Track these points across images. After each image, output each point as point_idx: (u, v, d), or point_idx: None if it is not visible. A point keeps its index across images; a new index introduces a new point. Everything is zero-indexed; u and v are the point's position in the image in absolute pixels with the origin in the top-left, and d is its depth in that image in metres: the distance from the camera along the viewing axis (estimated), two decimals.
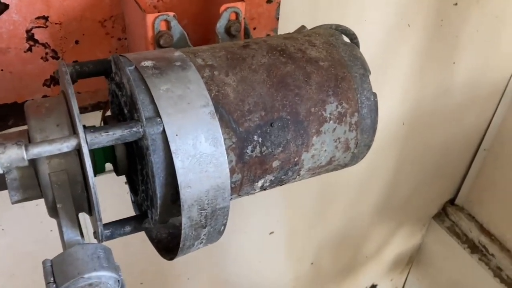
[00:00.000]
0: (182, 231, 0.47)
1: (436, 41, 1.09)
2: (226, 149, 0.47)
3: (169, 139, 0.43)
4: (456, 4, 1.05)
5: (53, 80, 0.68)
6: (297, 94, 0.51)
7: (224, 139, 0.47)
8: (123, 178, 0.56)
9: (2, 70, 0.64)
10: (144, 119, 0.43)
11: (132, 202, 0.60)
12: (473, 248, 1.57)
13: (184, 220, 0.46)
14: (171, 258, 0.55)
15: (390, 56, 1.06)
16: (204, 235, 0.49)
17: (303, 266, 1.47)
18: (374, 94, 0.55)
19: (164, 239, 0.59)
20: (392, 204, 1.51)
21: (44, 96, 0.68)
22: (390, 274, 1.82)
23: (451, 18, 1.07)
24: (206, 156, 0.44)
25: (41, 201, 0.66)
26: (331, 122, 0.52)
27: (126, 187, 0.62)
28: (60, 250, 0.94)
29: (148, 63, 0.47)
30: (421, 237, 1.76)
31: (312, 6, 0.88)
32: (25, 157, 0.40)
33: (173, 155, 0.43)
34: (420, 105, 1.22)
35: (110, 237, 0.50)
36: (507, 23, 1.18)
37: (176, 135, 0.43)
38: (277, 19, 0.79)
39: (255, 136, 0.49)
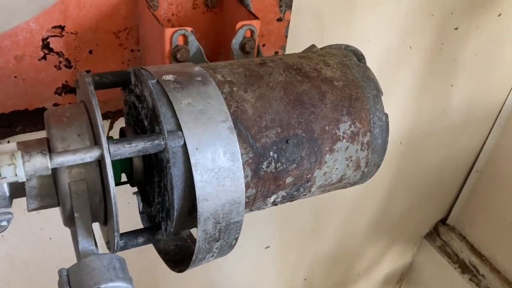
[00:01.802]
0: (197, 244, 0.47)
1: (436, 63, 1.12)
2: (242, 164, 0.48)
3: (189, 152, 0.44)
4: (456, 28, 1.07)
5: (65, 89, 0.68)
6: (312, 112, 0.52)
7: (241, 154, 0.48)
8: (122, 188, 0.56)
9: (15, 77, 0.64)
10: (166, 132, 0.44)
11: (140, 213, 0.60)
12: (464, 268, 1.58)
13: (200, 233, 0.46)
14: (180, 270, 0.55)
15: (391, 77, 1.08)
16: (216, 248, 0.50)
17: (296, 281, 1.48)
18: (386, 115, 0.56)
19: (172, 251, 0.59)
20: (385, 223, 1.52)
21: (55, 104, 0.68)
22: None
23: (451, 42, 1.10)
24: (224, 171, 0.45)
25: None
26: (344, 140, 0.53)
27: (127, 197, 0.62)
28: (57, 258, 0.94)
29: (169, 77, 0.48)
30: (412, 256, 1.77)
31: (319, 26, 0.90)
32: (49, 166, 0.40)
33: (193, 169, 0.44)
34: (417, 125, 1.25)
35: (124, 247, 0.50)
36: (504, 49, 1.21)
37: (196, 148, 0.44)
38: (286, 37, 0.80)
39: (271, 152, 0.50)
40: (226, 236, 0.49)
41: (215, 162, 0.45)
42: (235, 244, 0.51)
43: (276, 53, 0.81)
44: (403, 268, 1.80)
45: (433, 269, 1.70)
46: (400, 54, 1.04)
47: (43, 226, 0.87)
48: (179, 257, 0.58)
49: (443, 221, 1.69)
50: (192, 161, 0.44)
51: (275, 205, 0.56)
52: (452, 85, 1.21)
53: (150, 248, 0.58)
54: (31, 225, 0.86)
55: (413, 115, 1.21)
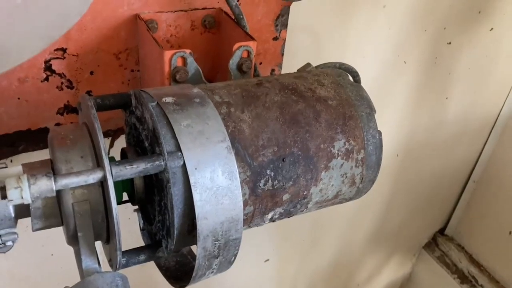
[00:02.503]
0: (196, 261, 0.49)
1: (430, 77, 1.14)
2: (240, 182, 0.50)
3: (189, 172, 0.45)
4: (450, 43, 1.10)
5: (66, 109, 0.70)
6: (307, 131, 0.53)
7: (239, 173, 0.50)
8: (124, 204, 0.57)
9: (19, 98, 0.66)
10: (166, 153, 0.45)
11: (141, 230, 0.62)
12: (463, 278, 1.59)
13: (199, 250, 0.48)
14: (181, 286, 0.56)
15: (387, 91, 1.10)
16: (215, 265, 0.51)
17: None
18: (379, 132, 0.58)
19: (172, 267, 0.60)
20: (383, 234, 1.53)
21: (57, 124, 0.70)
22: None
23: (445, 56, 1.12)
24: (222, 189, 0.47)
25: None
26: (339, 158, 0.55)
27: (128, 213, 0.63)
28: (58, 275, 0.94)
29: (169, 99, 0.50)
30: (411, 267, 1.78)
31: (314, 43, 0.92)
32: (54, 188, 0.42)
33: (192, 188, 0.45)
34: (413, 137, 1.26)
35: (125, 265, 0.51)
36: (497, 62, 1.23)
37: (195, 168, 0.46)
38: (282, 54, 0.82)
39: (267, 170, 0.51)
40: (225, 253, 0.50)
41: (213, 181, 0.46)
42: (234, 260, 0.52)
43: (273, 70, 0.83)
44: (403, 279, 1.80)
45: (432, 280, 1.70)
46: (395, 69, 1.06)
47: (44, 243, 0.88)
48: (180, 273, 0.59)
49: (441, 231, 1.70)
50: (192, 181, 0.45)
51: (273, 221, 0.57)
52: (447, 98, 1.23)
53: (150, 264, 0.59)
54: (33, 242, 0.87)
55: (409, 128, 1.23)
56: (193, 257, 0.60)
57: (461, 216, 1.63)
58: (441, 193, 1.57)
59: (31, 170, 0.44)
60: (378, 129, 0.58)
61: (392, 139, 1.22)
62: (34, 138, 0.70)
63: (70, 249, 0.93)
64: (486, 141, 1.46)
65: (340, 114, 0.56)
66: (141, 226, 0.61)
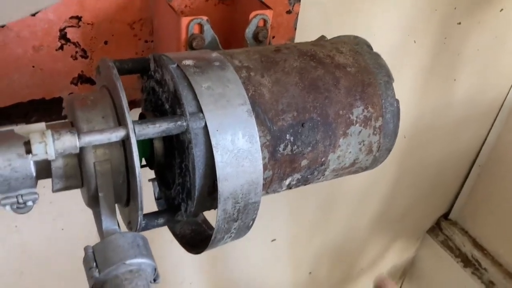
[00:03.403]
0: (216, 224, 0.49)
1: (439, 58, 1.13)
2: (260, 146, 0.50)
3: (210, 134, 0.45)
4: (459, 23, 1.09)
5: (80, 79, 0.70)
6: (327, 97, 0.53)
7: (259, 137, 0.50)
8: None
9: (33, 66, 0.65)
10: (188, 114, 0.45)
11: (156, 199, 0.62)
12: (466, 262, 1.60)
13: (219, 212, 0.48)
14: (197, 252, 0.56)
15: (395, 71, 1.09)
16: (234, 228, 0.51)
17: (301, 274, 1.49)
18: (397, 101, 0.58)
19: (188, 235, 0.60)
20: (388, 218, 1.54)
21: (71, 94, 0.70)
22: None
23: (454, 36, 1.11)
24: (243, 152, 0.47)
25: (56, 199, 0.67)
26: (357, 125, 0.55)
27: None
28: (68, 249, 0.94)
29: (189, 62, 0.49)
30: (415, 251, 1.78)
31: (325, 19, 0.92)
32: (78, 144, 0.42)
33: (214, 149, 0.45)
34: (420, 119, 1.26)
35: (145, 228, 0.51)
36: (506, 43, 1.23)
37: (217, 130, 0.46)
38: (295, 29, 0.82)
39: (287, 135, 0.51)
40: (244, 217, 0.50)
41: (234, 143, 0.46)
42: (252, 225, 0.53)
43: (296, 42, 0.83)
44: (406, 263, 1.81)
45: (435, 264, 1.71)
46: (404, 49, 1.06)
47: (55, 217, 0.88)
48: (195, 241, 0.59)
49: (445, 216, 1.71)
50: (213, 142, 0.45)
51: (290, 188, 0.57)
52: (454, 80, 1.23)
53: None
54: (44, 216, 0.87)
55: (416, 110, 1.23)
56: (208, 226, 0.60)
57: (466, 200, 1.63)
58: (446, 177, 1.58)
59: (54, 128, 0.44)
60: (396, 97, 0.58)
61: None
62: (47, 109, 0.70)
63: (80, 223, 0.94)
64: (492, 124, 1.46)
65: (359, 81, 0.56)
66: (156, 195, 0.61)
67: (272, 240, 1.28)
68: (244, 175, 0.47)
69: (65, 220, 0.89)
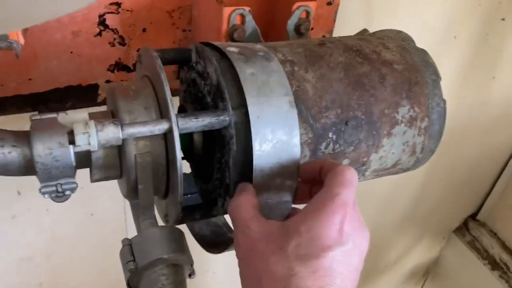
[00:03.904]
0: None
1: (479, 55, 1.09)
2: (301, 143, 0.48)
3: (251, 120, 0.43)
4: (503, 19, 1.05)
5: (117, 66, 0.69)
6: (372, 95, 0.51)
7: (301, 134, 0.48)
8: None
9: (71, 52, 0.65)
10: (230, 109, 0.44)
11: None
12: (494, 264, 1.56)
13: None
14: (218, 252, 0.55)
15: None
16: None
17: None
18: (444, 101, 0.56)
19: (208, 236, 0.59)
20: (415, 216, 1.51)
21: (108, 81, 0.69)
22: (405, 285, 1.82)
23: (497, 32, 1.07)
24: (281, 144, 0.45)
25: (87, 185, 0.67)
26: (402, 125, 0.53)
27: None
28: (97, 234, 0.95)
29: (233, 49, 0.48)
30: (440, 250, 1.75)
31: (366, 11, 0.89)
32: (121, 136, 0.41)
33: (253, 136, 0.43)
34: (455, 117, 1.22)
35: (182, 221, 0.51)
36: None
37: (258, 117, 0.44)
38: (334, 21, 0.79)
39: (330, 133, 0.50)
40: (275, 214, 0.47)
41: (274, 133, 0.44)
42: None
43: (323, 37, 0.80)
44: (430, 262, 1.78)
45: (461, 264, 1.68)
46: (444, 44, 1.02)
47: (86, 202, 0.89)
48: (216, 242, 0.58)
49: (473, 216, 1.67)
50: (253, 130, 0.43)
51: None
52: (494, 78, 1.19)
53: None
54: (74, 200, 0.87)
55: (452, 107, 1.18)
56: (229, 229, 0.58)
57: (496, 201, 1.59)
58: (477, 176, 1.53)
59: (96, 118, 0.43)
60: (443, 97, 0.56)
61: None
62: (83, 95, 0.70)
63: (110, 210, 0.94)
64: None
65: (405, 79, 0.54)
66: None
67: None
68: (281, 169, 0.45)
69: (95, 206, 0.89)
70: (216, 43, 0.49)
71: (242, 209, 0.42)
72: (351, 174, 0.41)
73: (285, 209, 0.47)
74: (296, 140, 0.45)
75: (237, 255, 0.42)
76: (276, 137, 0.44)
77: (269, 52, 0.49)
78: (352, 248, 0.39)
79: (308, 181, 0.46)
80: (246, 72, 0.45)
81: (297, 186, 0.46)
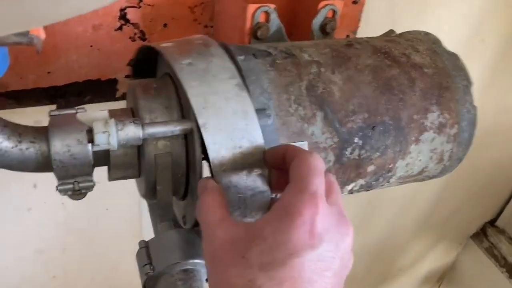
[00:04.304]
0: None
1: (508, 59, 1.06)
2: (326, 148, 0.46)
3: (196, 113, 0.40)
4: None
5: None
6: (401, 99, 0.49)
7: (326, 138, 0.46)
8: None
9: (91, 46, 0.64)
10: None
11: None
12: None
13: None
14: None
15: None
16: None
17: None
18: (475, 108, 0.54)
19: None
20: (433, 220, 1.48)
21: (127, 76, 0.68)
22: None
23: None
24: (238, 130, 0.40)
25: (102, 180, 0.66)
26: (431, 131, 0.51)
27: None
28: (111, 230, 0.94)
29: (168, 44, 0.46)
30: (456, 255, 1.72)
31: (391, 11, 0.87)
32: (141, 136, 0.40)
33: (201, 129, 0.39)
34: (480, 122, 1.19)
35: (197, 224, 0.49)
36: None
37: (203, 108, 0.40)
38: (359, 20, 0.77)
39: (356, 138, 0.48)
40: (253, 209, 0.41)
41: (227, 121, 0.40)
42: None
43: (348, 36, 0.78)
44: (445, 267, 1.75)
45: (477, 271, 1.65)
46: (472, 46, 0.99)
47: (101, 197, 0.88)
48: None
49: (492, 222, 1.63)
50: (200, 121, 0.39)
51: (351, 193, 0.54)
52: None
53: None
54: (89, 195, 0.87)
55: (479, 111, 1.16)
56: None
57: None
58: (498, 182, 1.50)
59: (117, 116, 0.42)
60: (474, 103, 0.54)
61: None
62: (102, 89, 0.69)
63: (125, 205, 0.93)
64: None
65: (436, 83, 0.51)
66: None
67: None
68: (245, 157, 0.40)
69: (111, 201, 0.88)
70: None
71: (208, 211, 0.36)
72: (316, 159, 0.36)
73: (263, 201, 0.41)
74: (254, 123, 0.41)
75: (205, 265, 0.37)
76: (230, 125, 0.40)
77: (205, 37, 0.46)
78: (327, 249, 0.33)
79: (278, 169, 0.40)
80: (183, 63, 0.42)
81: (271, 173, 0.41)
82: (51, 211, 0.85)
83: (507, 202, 1.58)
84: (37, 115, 0.64)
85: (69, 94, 0.68)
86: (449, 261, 1.74)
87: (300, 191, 0.34)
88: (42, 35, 0.35)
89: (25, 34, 0.32)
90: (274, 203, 0.36)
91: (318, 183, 0.34)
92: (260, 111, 0.43)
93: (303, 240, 0.32)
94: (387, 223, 1.37)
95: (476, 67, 1.04)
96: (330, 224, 0.34)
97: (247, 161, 0.40)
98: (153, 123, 0.41)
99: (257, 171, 0.40)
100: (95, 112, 0.41)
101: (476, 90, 1.11)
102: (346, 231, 0.35)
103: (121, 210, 0.91)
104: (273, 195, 0.41)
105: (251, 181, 0.39)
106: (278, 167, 0.40)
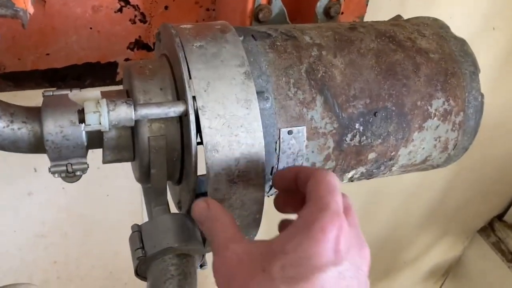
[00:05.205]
0: None
1: None
2: (325, 133, 0.45)
3: (196, 94, 0.39)
4: None
5: (137, 44, 0.67)
6: (404, 85, 0.48)
7: (326, 124, 0.45)
8: None
9: (91, 28, 0.63)
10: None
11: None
12: None
13: (210, 191, 0.40)
14: None
15: None
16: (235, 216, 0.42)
17: None
18: (482, 95, 0.52)
19: None
20: (440, 214, 1.46)
21: (127, 59, 0.67)
22: (424, 283, 1.78)
23: None
24: (237, 119, 0.39)
25: (103, 165, 0.65)
26: (435, 118, 0.49)
27: None
28: (112, 215, 0.94)
29: (187, 25, 0.44)
30: (462, 250, 1.70)
31: None
32: (133, 117, 0.39)
33: (199, 112, 0.39)
34: (488, 113, 1.16)
35: None
36: None
37: (204, 91, 0.39)
38: (367, 5, 0.75)
39: (356, 124, 0.46)
40: (247, 201, 0.42)
41: (226, 107, 0.39)
42: (259, 218, 0.43)
43: (372, 21, 0.76)
44: (451, 261, 1.74)
45: (483, 265, 1.63)
46: (482, 35, 0.97)
47: (101, 183, 0.88)
48: None
49: (500, 216, 1.61)
50: (199, 103, 0.39)
51: (351, 181, 0.53)
52: None
53: None
54: (90, 181, 0.86)
55: (486, 103, 1.14)
56: None
57: None
58: (505, 177, 1.47)
59: (110, 97, 0.41)
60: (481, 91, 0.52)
61: None
62: (102, 72, 0.68)
63: (125, 191, 0.92)
64: None
65: (441, 69, 0.50)
66: None
67: None
68: (240, 147, 0.40)
69: (111, 187, 0.88)
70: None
71: (218, 234, 0.36)
72: (334, 178, 0.36)
73: (257, 194, 0.41)
74: (255, 114, 0.40)
75: (216, 283, 0.35)
76: (230, 112, 0.39)
77: (227, 24, 0.45)
78: (348, 269, 0.33)
79: (286, 191, 0.41)
80: (194, 45, 0.41)
81: (279, 195, 0.41)
82: (51, 196, 0.85)
83: None
84: (37, 99, 0.63)
85: (69, 77, 0.67)
86: (455, 255, 1.72)
87: (321, 209, 0.34)
88: (30, 9, 0.33)
89: (10, 5, 0.31)
90: (286, 224, 0.38)
91: (339, 201, 0.35)
92: (258, 94, 0.42)
93: (327, 256, 0.32)
94: (391, 217, 1.35)
95: (486, 56, 1.02)
96: (351, 245, 0.34)
97: (242, 150, 0.39)
98: (146, 104, 0.40)
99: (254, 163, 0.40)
100: (88, 92, 0.40)
101: (486, 79, 1.09)
102: (365, 255, 0.36)
103: (122, 196, 0.90)
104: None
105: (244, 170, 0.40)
106: (287, 188, 0.40)
